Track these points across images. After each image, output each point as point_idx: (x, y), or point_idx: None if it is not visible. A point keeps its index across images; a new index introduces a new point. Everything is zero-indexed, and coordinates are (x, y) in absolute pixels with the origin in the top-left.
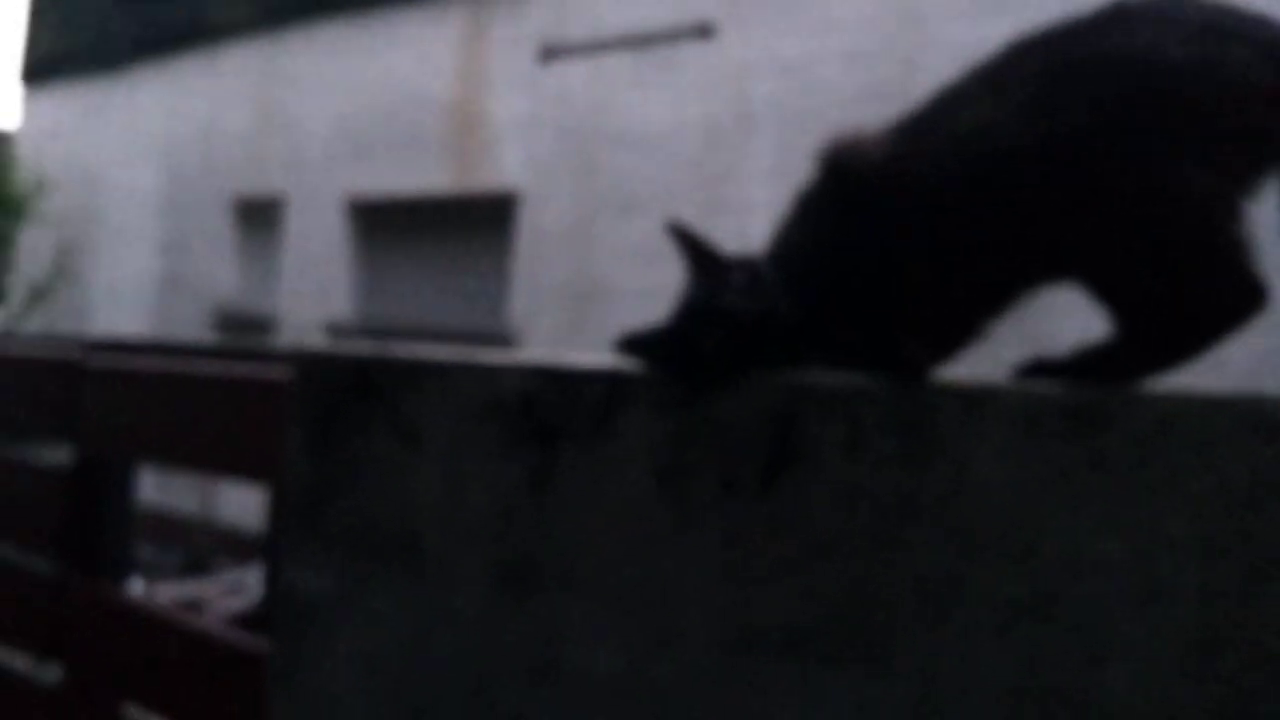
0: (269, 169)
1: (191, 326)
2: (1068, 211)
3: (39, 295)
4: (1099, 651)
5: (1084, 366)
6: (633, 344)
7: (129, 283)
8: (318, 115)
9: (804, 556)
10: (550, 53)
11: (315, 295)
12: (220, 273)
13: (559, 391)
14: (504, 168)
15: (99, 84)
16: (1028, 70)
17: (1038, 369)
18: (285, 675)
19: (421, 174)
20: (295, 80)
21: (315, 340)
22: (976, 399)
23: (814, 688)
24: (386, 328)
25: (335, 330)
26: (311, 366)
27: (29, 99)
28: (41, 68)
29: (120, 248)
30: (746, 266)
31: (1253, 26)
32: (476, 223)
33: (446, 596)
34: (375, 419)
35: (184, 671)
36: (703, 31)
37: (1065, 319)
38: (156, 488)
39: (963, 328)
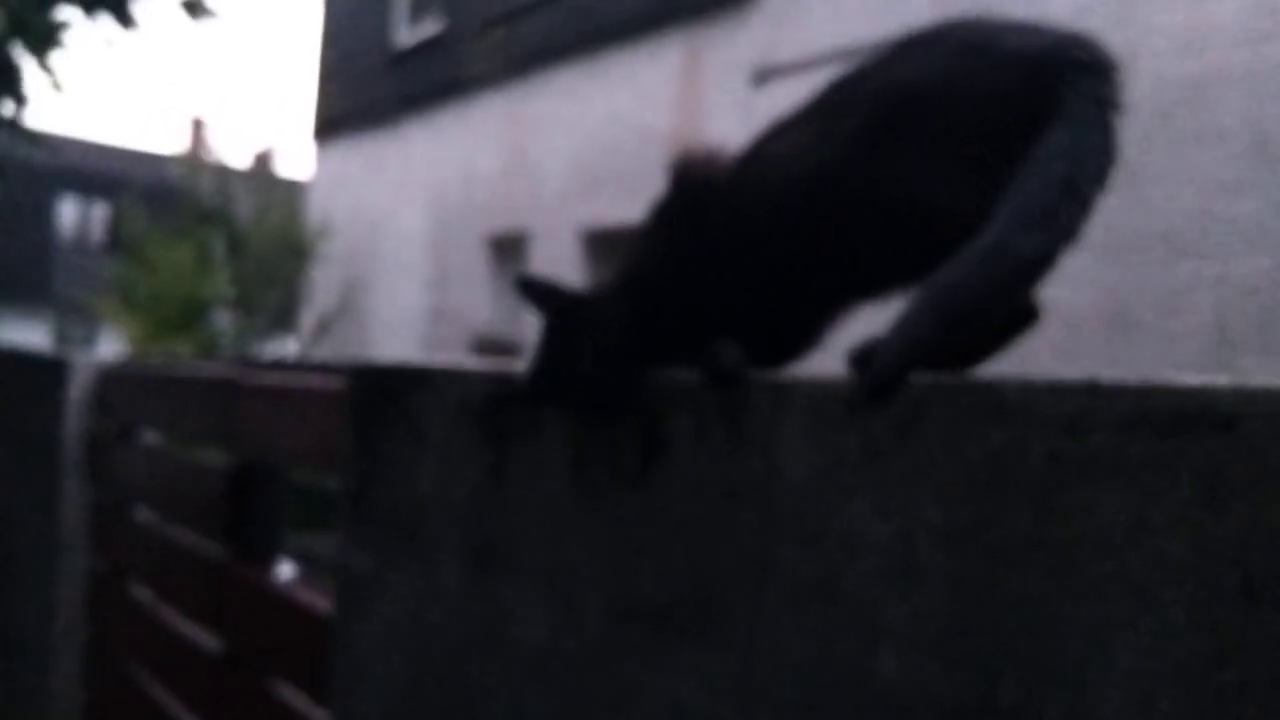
0: (515, 207)
1: (454, 352)
2: (856, 228)
3: (325, 327)
4: (872, 633)
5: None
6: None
7: (402, 314)
8: (556, 155)
9: (664, 539)
10: (763, 75)
11: None
12: (477, 303)
13: (508, 394)
14: None
15: (376, 138)
16: (830, 98)
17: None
18: (341, 640)
19: (646, 203)
20: (536, 124)
21: None
22: (780, 391)
23: (673, 658)
24: None
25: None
26: (357, 377)
27: (320, 153)
28: (329, 125)
29: (395, 283)
30: (593, 305)
31: (1007, 36)
32: None
33: (437, 575)
34: (396, 420)
35: (298, 641)
36: None
37: None
38: None
39: (794, 335)
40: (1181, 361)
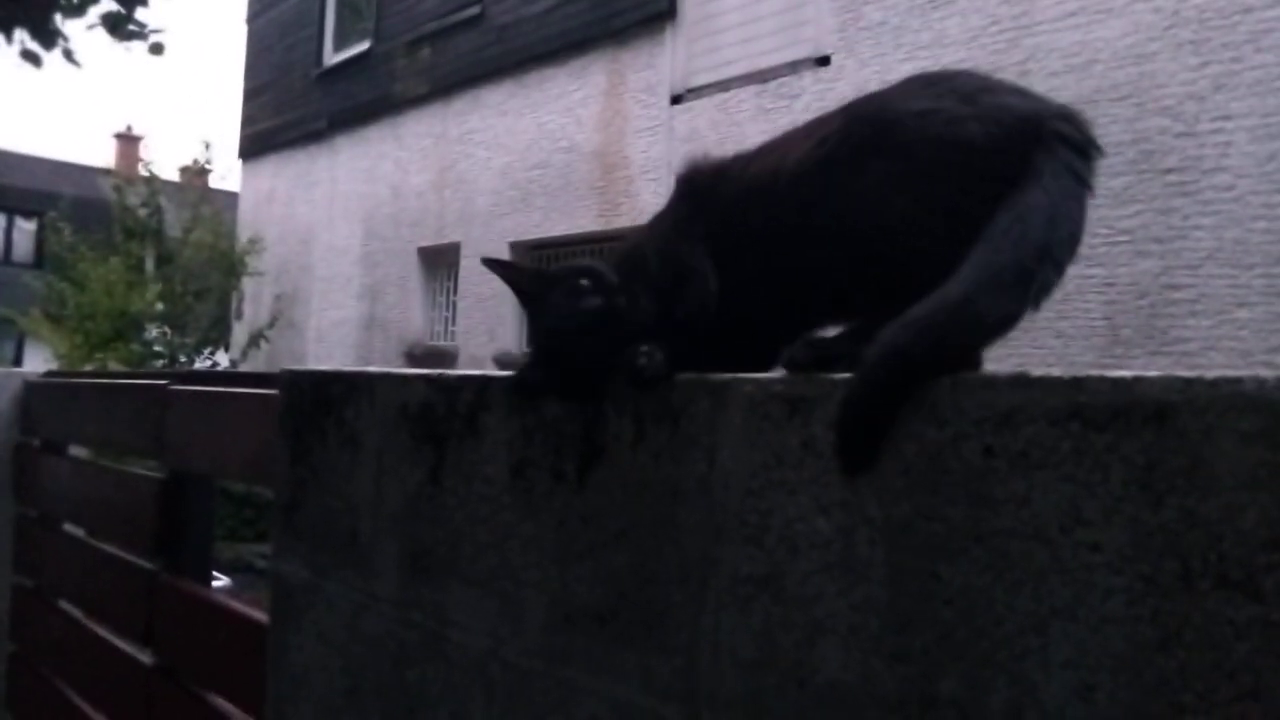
0: (446, 220)
1: (387, 362)
2: (815, 248)
3: (256, 340)
4: (814, 627)
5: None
6: (524, 389)
7: (334, 326)
8: (485, 170)
9: (606, 542)
10: (680, 97)
11: (485, 329)
12: (410, 314)
13: (444, 399)
14: (641, 206)
15: (307, 153)
16: (824, 118)
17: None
18: (275, 650)
19: (572, 217)
20: (466, 141)
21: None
22: (720, 391)
23: (616, 661)
24: None
25: (503, 361)
26: (289, 385)
27: (248, 169)
28: (257, 141)
29: (327, 296)
30: (579, 272)
31: (1001, 93)
32: None
33: (374, 582)
34: (331, 428)
35: (235, 653)
36: (820, 61)
37: None
38: None
39: (750, 347)
40: (1076, 361)
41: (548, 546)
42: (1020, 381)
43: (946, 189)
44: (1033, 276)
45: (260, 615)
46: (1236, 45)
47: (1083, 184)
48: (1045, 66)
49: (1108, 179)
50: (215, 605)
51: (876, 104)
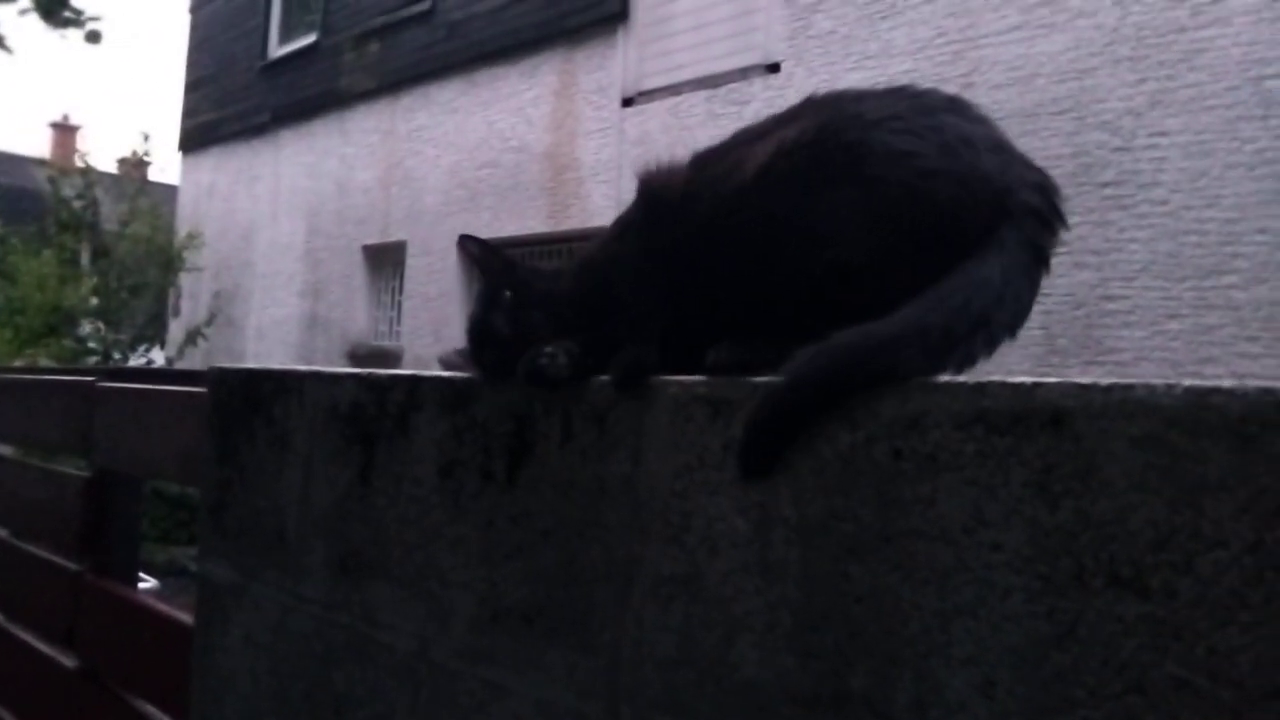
0: (392, 218)
1: (330, 361)
2: (768, 258)
3: (194, 337)
4: (732, 626)
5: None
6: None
7: (275, 324)
8: (433, 168)
9: (534, 542)
10: (631, 99)
11: (432, 330)
12: (353, 312)
13: (374, 399)
14: (591, 208)
15: (250, 147)
16: (795, 128)
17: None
18: (200, 652)
19: (522, 217)
20: (413, 138)
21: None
22: (645, 391)
23: (540, 660)
24: None
25: (448, 362)
26: (218, 384)
27: (186, 163)
28: (198, 134)
29: (268, 293)
30: (509, 284)
31: (956, 139)
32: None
33: (300, 584)
34: (258, 427)
35: (163, 656)
36: (770, 68)
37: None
38: None
39: (681, 341)
40: (1014, 369)
41: (476, 546)
42: (928, 386)
43: (905, 239)
44: (958, 346)
45: (186, 617)
46: (1172, 63)
47: (1040, 260)
48: (989, 79)
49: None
50: (140, 607)
51: (854, 124)
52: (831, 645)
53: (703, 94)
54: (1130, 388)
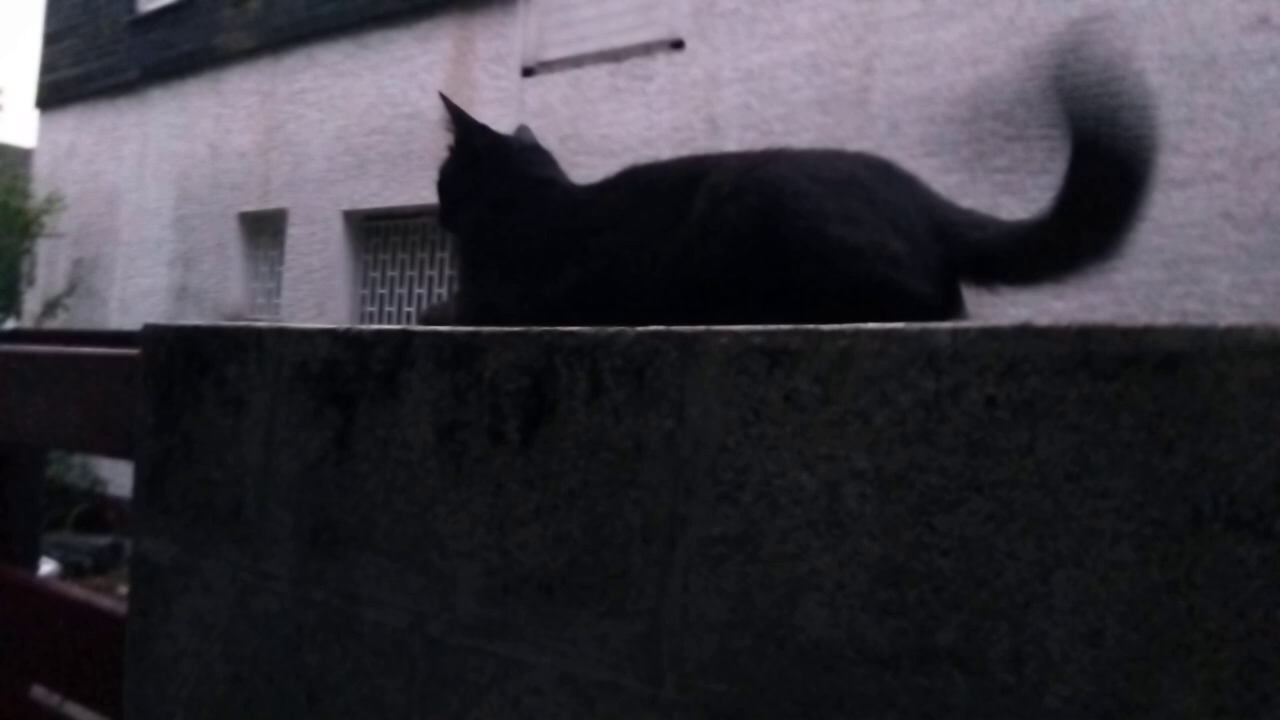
0: (272, 185)
1: None
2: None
3: (52, 307)
4: (796, 585)
5: None
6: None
7: (143, 295)
8: (317, 133)
9: (555, 504)
10: (531, 69)
11: (315, 303)
12: (228, 283)
13: (354, 356)
14: None
15: (115, 107)
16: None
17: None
18: (137, 641)
19: (414, 187)
20: (296, 100)
21: None
22: (690, 343)
23: (563, 629)
24: None
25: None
26: (154, 343)
27: (44, 121)
28: (57, 91)
29: (135, 262)
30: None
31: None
32: None
33: (263, 559)
34: (207, 390)
35: (79, 647)
36: (674, 44)
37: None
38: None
39: None
40: None
41: (483, 513)
42: (1025, 331)
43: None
44: None
45: (107, 602)
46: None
47: None
48: (889, 65)
49: (943, 175)
50: (50, 593)
51: (802, 218)
52: (915, 600)
53: (606, 67)
54: (1250, 329)
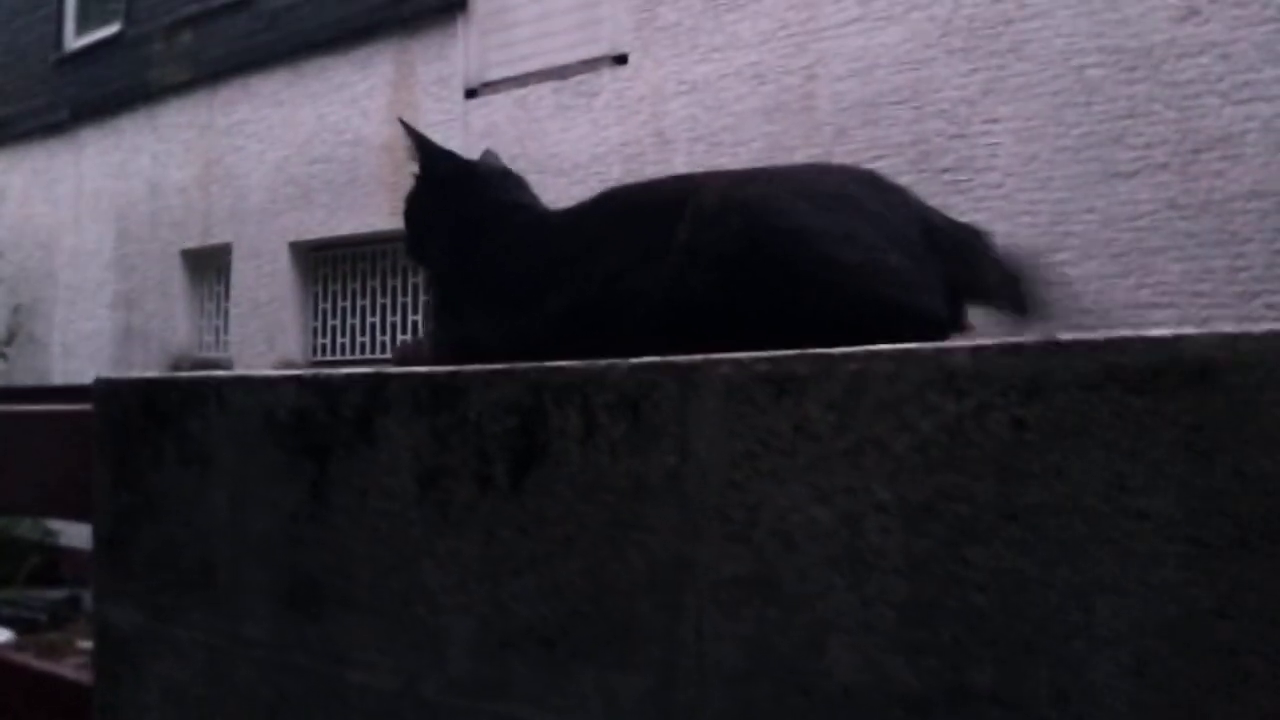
0: (214, 219)
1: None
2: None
3: None
4: (818, 627)
5: None
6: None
7: (85, 339)
8: (258, 165)
9: (551, 551)
10: (474, 90)
11: (264, 337)
12: (174, 323)
13: (324, 403)
14: None
15: (46, 147)
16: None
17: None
18: (105, 711)
19: (360, 215)
20: (234, 132)
21: None
22: (689, 374)
23: (566, 684)
24: (335, 364)
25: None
26: (108, 398)
27: None
28: None
29: (75, 305)
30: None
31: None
32: None
33: (238, 623)
34: (167, 446)
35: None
36: (617, 59)
37: None
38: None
39: None
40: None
41: (473, 563)
42: (1048, 347)
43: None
44: None
45: (69, 673)
46: (1001, 53)
47: None
48: (831, 71)
49: (892, 178)
50: (7, 665)
51: (790, 238)
52: (948, 639)
53: (550, 85)
54: None
